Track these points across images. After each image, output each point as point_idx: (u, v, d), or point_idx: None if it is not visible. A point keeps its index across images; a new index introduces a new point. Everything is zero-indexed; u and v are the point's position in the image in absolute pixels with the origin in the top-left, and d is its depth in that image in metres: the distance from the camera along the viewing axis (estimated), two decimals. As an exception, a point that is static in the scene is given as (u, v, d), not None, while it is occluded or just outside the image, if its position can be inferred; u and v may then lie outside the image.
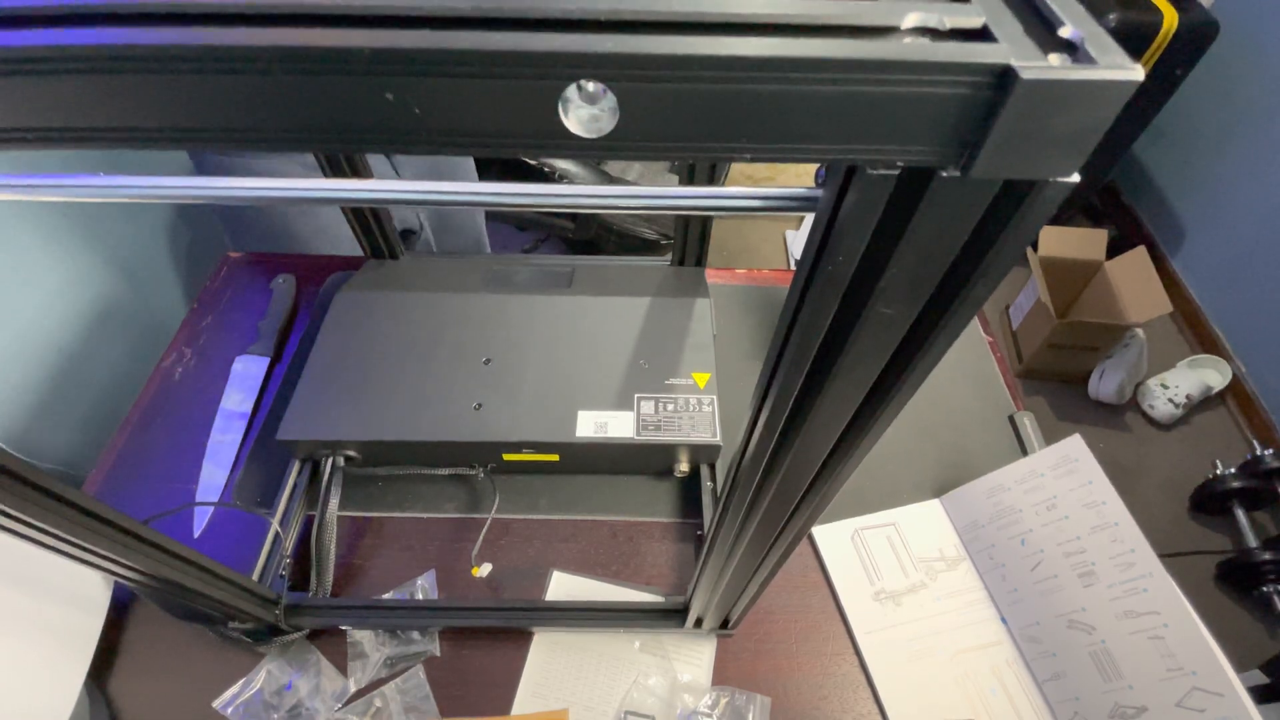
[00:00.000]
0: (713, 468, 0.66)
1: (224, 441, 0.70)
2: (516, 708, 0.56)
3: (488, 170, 1.07)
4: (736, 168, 2.06)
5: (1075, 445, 0.59)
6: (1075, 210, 2.00)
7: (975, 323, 0.85)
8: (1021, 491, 0.62)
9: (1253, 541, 1.43)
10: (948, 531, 0.66)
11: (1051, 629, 0.57)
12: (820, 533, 0.65)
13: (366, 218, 0.74)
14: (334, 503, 0.61)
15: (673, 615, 0.57)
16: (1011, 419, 0.74)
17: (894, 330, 0.20)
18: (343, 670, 0.57)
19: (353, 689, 0.56)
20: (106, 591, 0.57)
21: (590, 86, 0.13)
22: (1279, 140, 1.59)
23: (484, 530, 0.61)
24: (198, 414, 0.73)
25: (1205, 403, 1.70)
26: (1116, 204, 2.10)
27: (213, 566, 0.45)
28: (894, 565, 0.64)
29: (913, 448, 0.71)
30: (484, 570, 0.60)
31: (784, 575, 0.64)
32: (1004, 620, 0.61)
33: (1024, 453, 0.71)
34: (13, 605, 0.49)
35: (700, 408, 0.63)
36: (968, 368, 0.79)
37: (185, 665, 0.58)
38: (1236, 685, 0.46)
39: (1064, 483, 0.59)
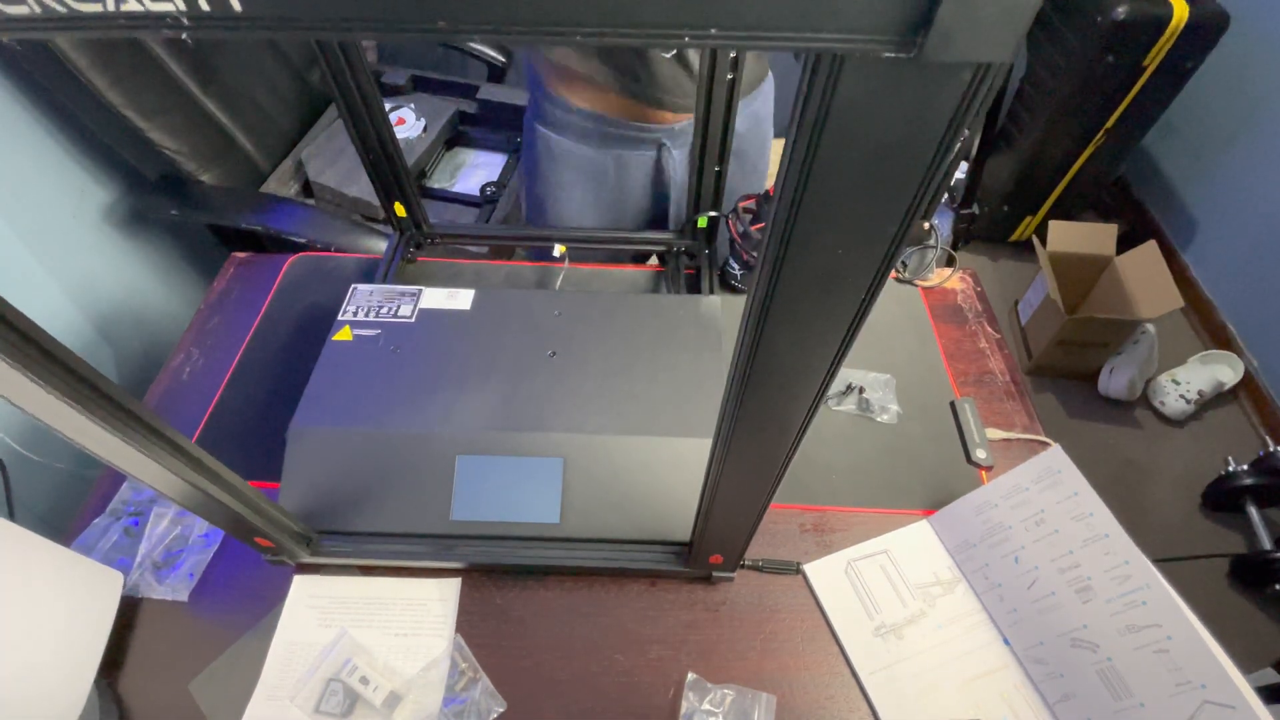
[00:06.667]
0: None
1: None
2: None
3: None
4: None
5: (1056, 457, 0.57)
6: (1085, 205, 1.98)
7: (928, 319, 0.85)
8: (1008, 507, 0.60)
9: (1265, 539, 1.42)
10: (940, 553, 0.65)
11: (1055, 649, 0.56)
12: (813, 570, 0.64)
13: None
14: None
15: (677, 550, 0.60)
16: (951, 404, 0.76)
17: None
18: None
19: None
20: (116, 591, 0.58)
21: None
22: (1292, 133, 1.57)
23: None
24: (204, 413, 0.73)
25: (1217, 399, 1.68)
26: (1127, 198, 2.08)
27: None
28: (891, 595, 0.62)
29: (887, 466, 0.71)
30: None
31: (791, 575, 0.64)
32: (1006, 642, 0.59)
33: (962, 441, 0.73)
34: (23, 605, 0.49)
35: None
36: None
37: (195, 665, 0.58)
38: (1248, 695, 0.45)
39: (1049, 495, 0.57)
